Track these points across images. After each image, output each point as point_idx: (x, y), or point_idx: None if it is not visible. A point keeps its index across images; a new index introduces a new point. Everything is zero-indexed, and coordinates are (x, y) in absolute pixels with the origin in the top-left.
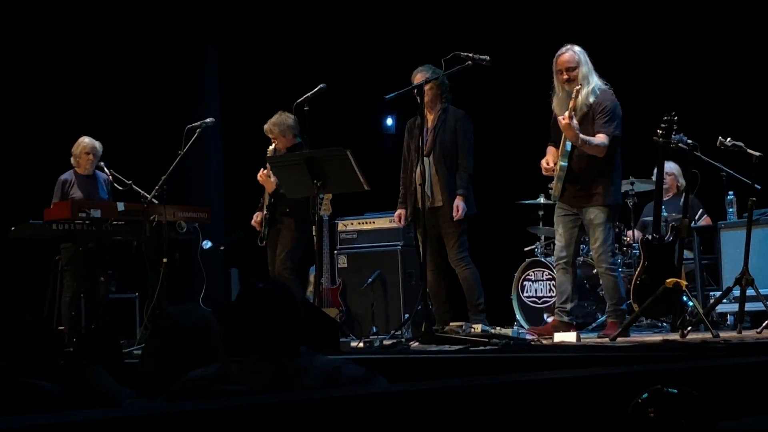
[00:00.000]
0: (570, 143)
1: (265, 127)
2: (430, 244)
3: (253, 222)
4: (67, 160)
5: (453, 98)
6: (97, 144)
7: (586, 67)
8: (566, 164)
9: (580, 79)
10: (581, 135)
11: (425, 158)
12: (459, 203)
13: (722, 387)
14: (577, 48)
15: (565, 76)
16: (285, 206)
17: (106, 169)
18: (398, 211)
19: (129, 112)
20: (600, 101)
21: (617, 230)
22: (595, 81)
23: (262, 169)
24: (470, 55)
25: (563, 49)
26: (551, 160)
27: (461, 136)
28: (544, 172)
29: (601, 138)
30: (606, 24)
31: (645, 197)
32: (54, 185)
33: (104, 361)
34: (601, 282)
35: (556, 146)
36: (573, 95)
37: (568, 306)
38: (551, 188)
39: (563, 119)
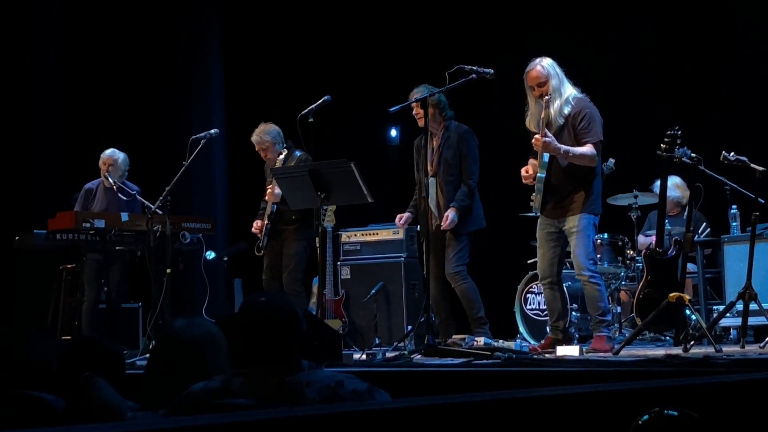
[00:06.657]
0: (547, 155)
1: (254, 140)
2: (434, 257)
3: (253, 229)
4: (69, 171)
5: (456, 113)
6: (119, 156)
7: (556, 79)
8: (544, 176)
9: (551, 92)
10: (562, 146)
11: (432, 179)
12: (450, 213)
13: (724, 403)
14: (546, 61)
15: (537, 92)
16: (290, 215)
17: (110, 179)
18: (402, 214)
19: (134, 123)
20: (576, 110)
21: (620, 244)
22: (569, 91)
23: (269, 186)
24: (474, 68)
25: (531, 64)
26: (530, 169)
27: (464, 151)
28: (523, 180)
29: (588, 147)
30: (611, 37)
31: (648, 210)
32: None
33: (102, 370)
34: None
35: (537, 158)
36: (543, 106)
37: (561, 324)
38: (532, 201)
39: (537, 139)
